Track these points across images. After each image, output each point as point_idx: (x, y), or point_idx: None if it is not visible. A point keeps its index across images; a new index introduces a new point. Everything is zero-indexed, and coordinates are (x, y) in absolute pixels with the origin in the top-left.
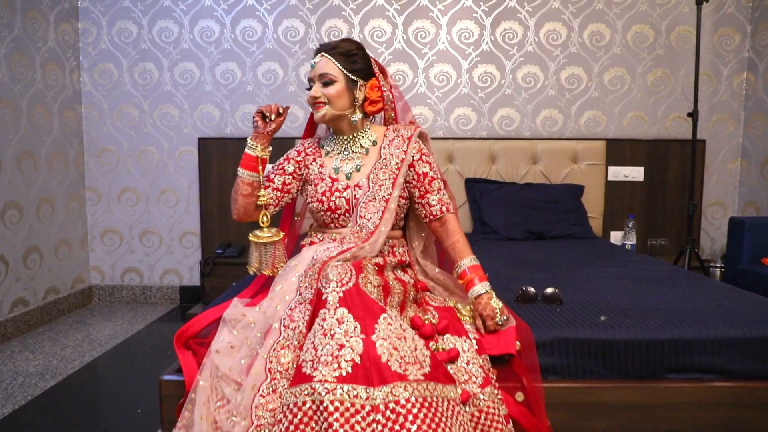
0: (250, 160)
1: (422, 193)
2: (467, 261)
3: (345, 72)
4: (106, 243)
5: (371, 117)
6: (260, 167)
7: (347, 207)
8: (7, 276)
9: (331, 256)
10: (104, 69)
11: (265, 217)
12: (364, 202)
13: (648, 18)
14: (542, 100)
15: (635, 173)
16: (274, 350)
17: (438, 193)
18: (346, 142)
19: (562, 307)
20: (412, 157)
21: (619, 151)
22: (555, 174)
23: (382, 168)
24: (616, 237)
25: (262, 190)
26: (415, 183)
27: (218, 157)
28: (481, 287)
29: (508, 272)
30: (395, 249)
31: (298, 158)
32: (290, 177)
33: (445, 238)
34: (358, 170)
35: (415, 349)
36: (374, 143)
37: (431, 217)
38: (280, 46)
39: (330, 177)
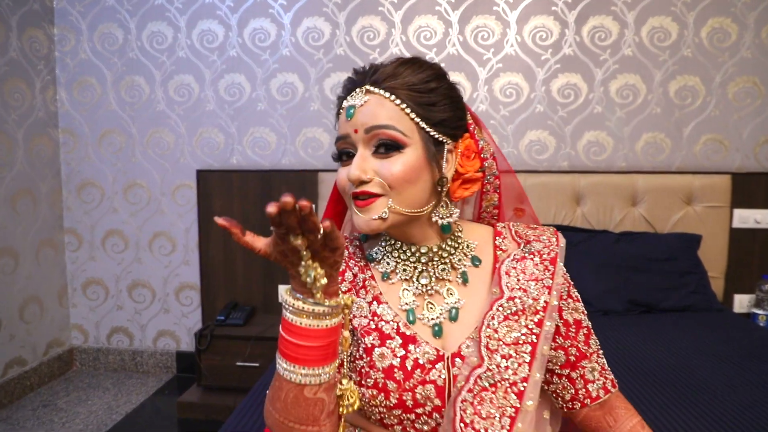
0: (308, 337)
1: (573, 359)
2: None
3: (422, 125)
4: (90, 297)
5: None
6: (340, 341)
7: (439, 402)
8: None
9: None
10: (85, 84)
11: None
12: (470, 391)
13: None
14: (644, 119)
15: None
16: None
17: (599, 357)
18: (418, 260)
19: None
20: (560, 295)
21: (748, 188)
22: (662, 220)
23: (506, 318)
24: (742, 303)
25: (345, 382)
26: (560, 341)
27: (222, 194)
28: None
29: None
30: None
31: (342, 285)
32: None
33: (608, 424)
34: (454, 318)
35: None
36: (476, 262)
37: (586, 400)
38: (299, 52)
39: (399, 331)
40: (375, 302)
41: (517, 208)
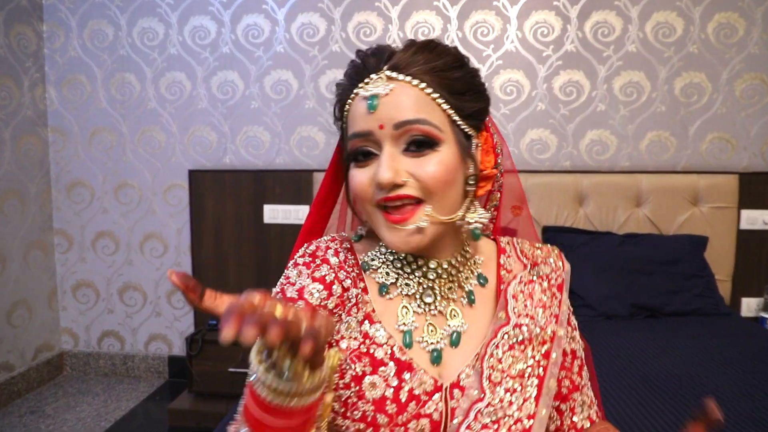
0: (282, 415)
1: (565, 391)
2: None
3: (454, 117)
4: (80, 300)
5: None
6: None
7: None
8: None
9: None
10: (74, 82)
11: None
12: (469, 428)
13: None
14: (648, 117)
15: None
16: None
17: (587, 390)
18: (423, 276)
19: None
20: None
21: (756, 188)
22: (667, 221)
23: (511, 348)
24: (750, 306)
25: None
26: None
27: (214, 195)
28: None
29: (632, 414)
30: None
31: (331, 303)
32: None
33: None
34: (455, 344)
35: None
36: (483, 281)
37: (572, 431)
38: (294, 49)
39: (394, 357)
40: (367, 321)
41: (515, 206)
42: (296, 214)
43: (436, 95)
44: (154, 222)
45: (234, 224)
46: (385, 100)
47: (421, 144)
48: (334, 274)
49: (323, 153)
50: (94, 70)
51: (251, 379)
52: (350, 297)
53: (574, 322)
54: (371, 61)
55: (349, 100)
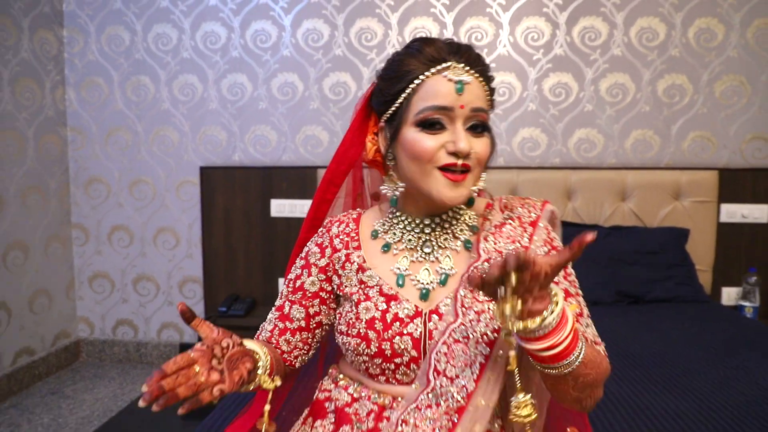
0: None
1: None
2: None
3: (489, 112)
4: (96, 290)
5: None
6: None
7: (415, 354)
8: None
9: None
10: (92, 84)
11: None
12: (445, 343)
13: None
14: (633, 117)
15: (757, 212)
16: None
17: (583, 318)
18: (427, 230)
19: None
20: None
21: (735, 183)
22: (650, 214)
23: None
24: (729, 296)
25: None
26: None
27: (224, 190)
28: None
29: (614, 387)
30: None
31: (322, 261)
32: (317, 302)
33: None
34: (443, 283)
35: None
36: (474, 230)
37: None
38: (299, 53)
39: (383, 292)
40: (360, 271)
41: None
42: (301, 208)
43: (489, 94)
44: (167, 216)
45: (243, 218)
46: (469, 88)
47: (481, 127)
48: (329, 239)
49: (326, 151)
50: (111, 73)
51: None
52: (339, 257)
53: (569, 269)
54: (454, 52)
55: (422, 76)
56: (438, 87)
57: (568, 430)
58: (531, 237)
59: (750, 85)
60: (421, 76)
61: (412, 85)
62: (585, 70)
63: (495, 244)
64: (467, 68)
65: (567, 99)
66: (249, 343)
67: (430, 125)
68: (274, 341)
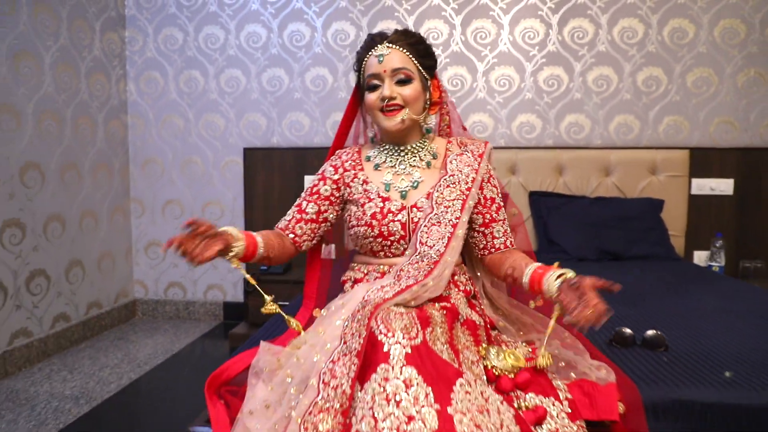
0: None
1: (487, 221)
2: (536, 265)
3: (419, 68)
4: (150, 256)
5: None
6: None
7: (403, 233)
8: (49, 291)
9: (387, 298)
10: (150, 77)
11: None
12: (426, 226)
13: (739, 11)
14: (616, 104)
15: (723, 186)
16: (310, 413)
17: (504, 224)
18: (401, 154)
19: (668, 355)
20: (482, 177)
21: (704, 161)
22: (630, 187)
23: (448, 186)
24: (700, 258)
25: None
26: (480, 208)
27: (264, 168)
28: (554, 272)
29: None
30: (457, 277)
31: (335, 176)
32: (327, 203)
33: (503, 262)
34: (415, 187)
35: (502, 426)
36: (434, 156)
37: (492, 249)
38: (329, 50)
39: (379, 195)
40: (364, 183)
41: (464, 127)
42: None
43: (410, 56)
44: (214, 191)
45: (279, 192)
46: (387, 57)
47: (404, 81)
48: (341, 162)
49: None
50: (166, 69)
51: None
52: (348, 174)
53: (494, 182)
54: (377, 38)
55: (365, 58)
56: (370, 62)
57: (536, 302)
58: (479, 164)
59: (717, 76)
60: (364, 59)
61: (362, 67)
62: (574, 64)
63: (457, 165)
64: (388, 45)
65: (559, 89)
66: (235, 233)
67: (372, 87)
68: (291, 227)
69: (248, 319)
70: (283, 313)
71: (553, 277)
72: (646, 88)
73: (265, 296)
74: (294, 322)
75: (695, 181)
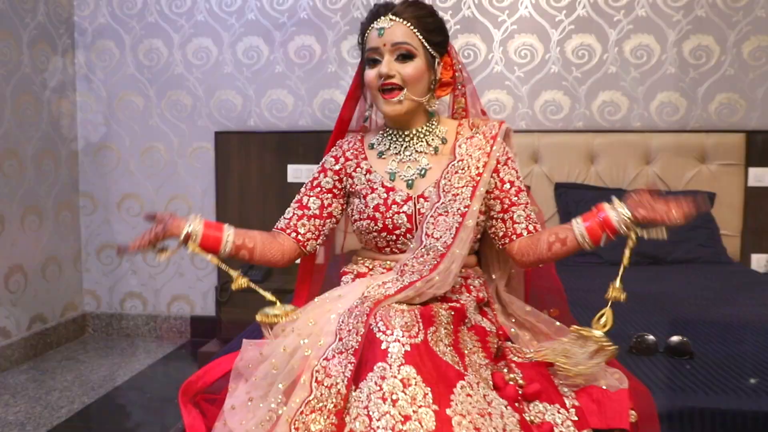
0: None
1: (506, 206)
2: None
3: (425, 44)
4: (103, 261)
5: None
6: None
7: (409, 225)
8: None
9: (388, 295)
10: (103, 48)
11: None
12: (432, 216)
13: None
14: (658, 79)
15: None
16: (301, 413)
17: (526, 208)
18: (407, 140)
19: (692, 363)
20: (497, 160)
21: (764, 146)
22: (675, 177)
23: (456, 173)
24: (759, 262)
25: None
26: (497, 193)
27: (239, 156)
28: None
29: (616, 311)
30: (470, 281)
31: (337, 166)
32: (329, 196)
33: (535, 243)
34: (423, 176)
35: (504, 431)
36: (444, 141)
37: (513, 236)
38: (316, 15)
39: (383, 185)
40: (368, 173)
41: (482, 110)
42: None
43: (415, 30)
44: (179, 183)
45: (258, 184)
46: (388, 30)
47: (405, 57)
48: (341, 152)
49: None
50: (122, 37)
51: None
52: (350, 164)
53: (512, 164)
54: (382, 9)
55: (368, 31)
56: (371, 35)
57: (551, 311)
58: (492, 146)
59: None
60: (367, 31)
61: (365, 40)
62: (609, 31)
63: (467, 150)
64: (391, 17)
65: (590, 61)
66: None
67: (371, 62)
68: (293, 225)
69: (220, 336)
70: (255, 286)
71: (615, 202)
72: (694, 59)
73: (231, 272)
74: (269, 295)
75: (753, 171)
